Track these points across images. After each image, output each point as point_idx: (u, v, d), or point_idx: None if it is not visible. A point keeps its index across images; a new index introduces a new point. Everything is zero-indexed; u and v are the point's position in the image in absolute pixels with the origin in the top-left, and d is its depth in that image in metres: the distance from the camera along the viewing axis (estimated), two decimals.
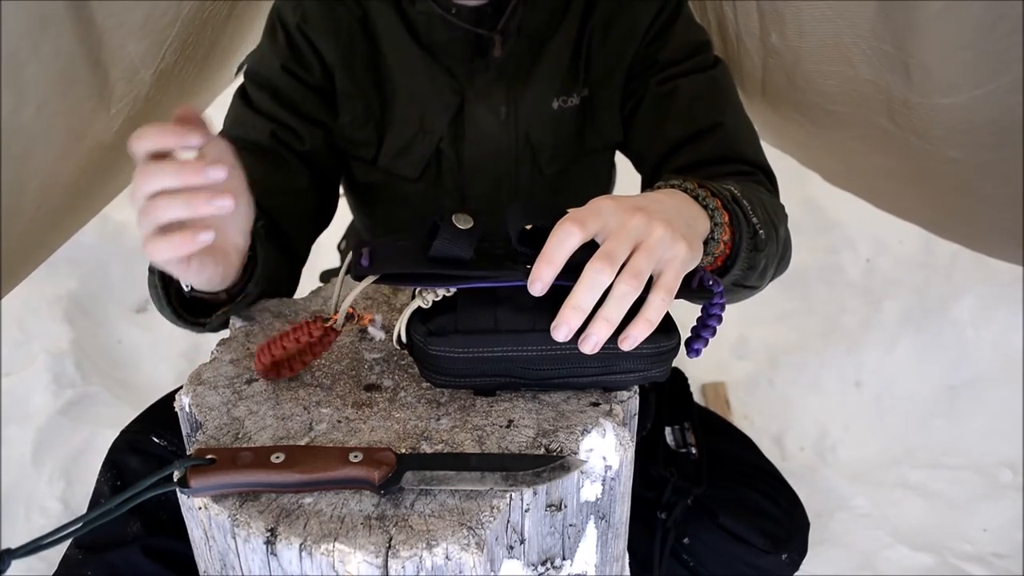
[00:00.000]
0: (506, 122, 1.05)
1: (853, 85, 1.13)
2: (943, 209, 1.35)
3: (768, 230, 0.80)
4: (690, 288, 0.69)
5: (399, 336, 0.71)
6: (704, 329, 0.71)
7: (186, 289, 0.80)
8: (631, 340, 0.63)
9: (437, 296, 0.68)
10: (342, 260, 1.36)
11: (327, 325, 0.71)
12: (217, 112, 1.10)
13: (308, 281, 1.12)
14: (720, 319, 0.70)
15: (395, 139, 1.06)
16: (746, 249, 0.76)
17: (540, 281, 0.62)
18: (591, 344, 0.62)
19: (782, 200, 0.96)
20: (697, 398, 1.55)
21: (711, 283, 0.69)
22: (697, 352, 0.71)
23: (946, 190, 1.23)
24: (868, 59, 1.06)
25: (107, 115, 1.10)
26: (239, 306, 0.83)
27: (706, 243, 0.73)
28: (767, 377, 1.93)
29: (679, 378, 1.26)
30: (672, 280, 0.63)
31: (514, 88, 1.04)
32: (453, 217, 0.66)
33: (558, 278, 0.63)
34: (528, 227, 0.67)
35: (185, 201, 0.63)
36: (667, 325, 0.69)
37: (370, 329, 0.73)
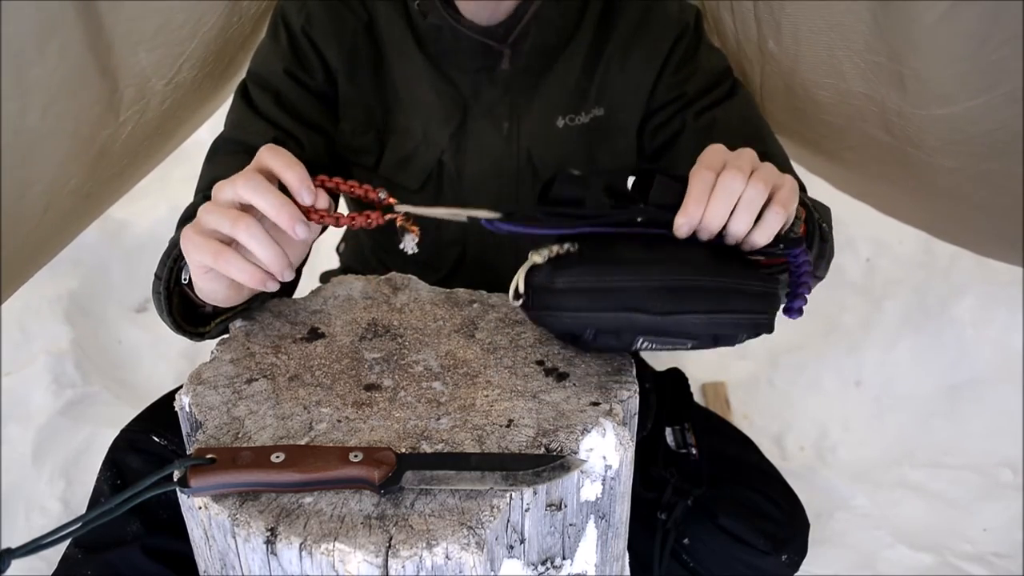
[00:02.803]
0: (508, 137, 1.04)
1: (846, 98, 1.13)
2: (941, 215, 1.35)
3: (827, 223, 0.87)
4: (775, 241, 0.72)
5: (516, 288, 0.72)
6: (799, 286, 0.74)
7: (203, 307, 0.81)
8: (748, 245, 0.71)
9: (552, 252, 0.70)
10: (341, 262, 1.36)
11: (386, 200, 0.71)
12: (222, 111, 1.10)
13: (308, 281, 1.13)
14: (810, 274, 0.74)
15: (397, 149, 1.06)
16: (817, 236, 0.82)
17: (689, 224, 0.69)
18: (741, 226, 0.69)
19: None
20: (697, 398, 1.55)
21: (792, 235, 0.73)
22: (800, 312, 0.75)
23: (943, 197, 1.23)
24: (861, 72, 1.06)
25: (116, 121, 1.10)
26: (237, 316, 0.83)
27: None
28: (767, 377, 1.93)
29: (679, 378, 1.26)
30: (787, 196, 0.70)
31: (518, 104, 1.03)
32: (565, 171, 0.71)
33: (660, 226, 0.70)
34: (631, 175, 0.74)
35: (270, 252, 0.67)
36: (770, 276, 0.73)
37: (407, 237, 0.72)
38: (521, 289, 0.72)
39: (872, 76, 1.05)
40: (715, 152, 0.71)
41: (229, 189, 0.68)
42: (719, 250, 0.72)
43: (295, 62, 1.01)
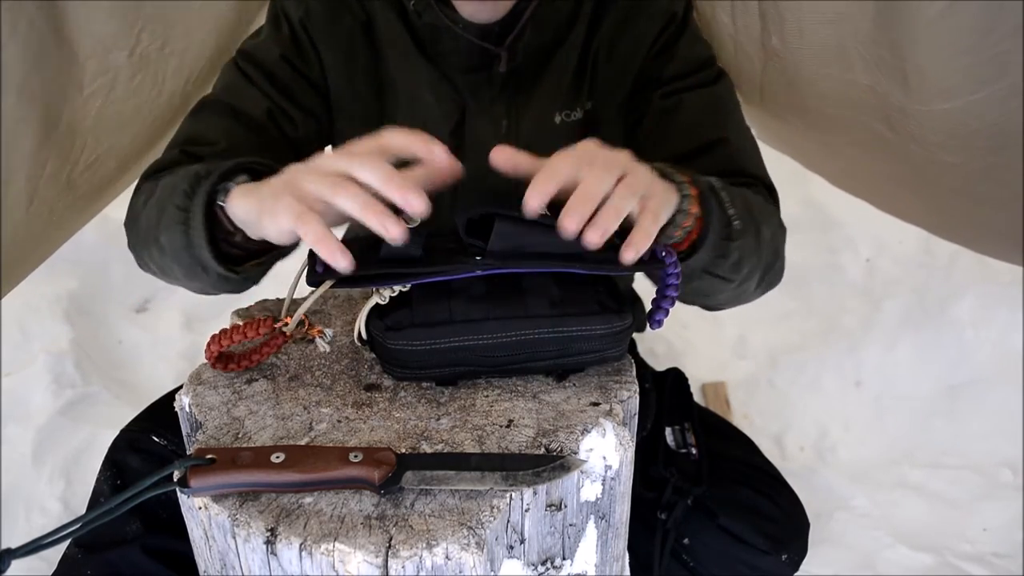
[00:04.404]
0: (507, 136, 1.03)
1: (851, 89, 1.12)
2: (942, 211, 1.35)
3: (746, 224, 0.80)
4: (643, 260, 0.69)
5: (359, 332, 0.73)
6: (663, 300, 0.72)
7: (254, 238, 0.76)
8: (634, 249, 0.66)
9: (393, 292, 0.70)
10: None
11: (276, 327, 0.72)
12: None
13: None
14: (677, 288, 0.71)
15: None
16: (717, 233, 0.77)
17: (539, 195, 0.64)
18: (599, 232, 0.64)
19: (783, 199, 0.96)
20: (697, 398, 1.55)
21: (664, 254, 0.70)
22: (659, 323, 0.73)
23: (944, 193, 1.23)
24: (867, 64, 1.06)
25: (80, 97, 1.07)
26: (274, 260, 0.81)
27: (676, 215, 0.75)
28: (767, 377, 1.93)
29: (679, 378, 1.26)
30: (657, 206, 0.67)
31: (516, 102, 1.03)
32: (401, 216, 0.67)
33: (521, 265, 0.66)
34: (475, 217, 0.70)
35: (376, 216, 0.63)
36: (619, 306, 0.71)
37: (317, 341, 0.73)
38: (364, 334, 0.73)
39: (876, 68, 1.05)
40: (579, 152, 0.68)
41: (344, 163, 0.66)
42: (570, 286, 0.70)
43: (294, 51, 1.00)
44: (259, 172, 0.78)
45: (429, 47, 1.01)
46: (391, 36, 1.02)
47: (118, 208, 1.46)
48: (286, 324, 0.73)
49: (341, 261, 0.64)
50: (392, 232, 0.63)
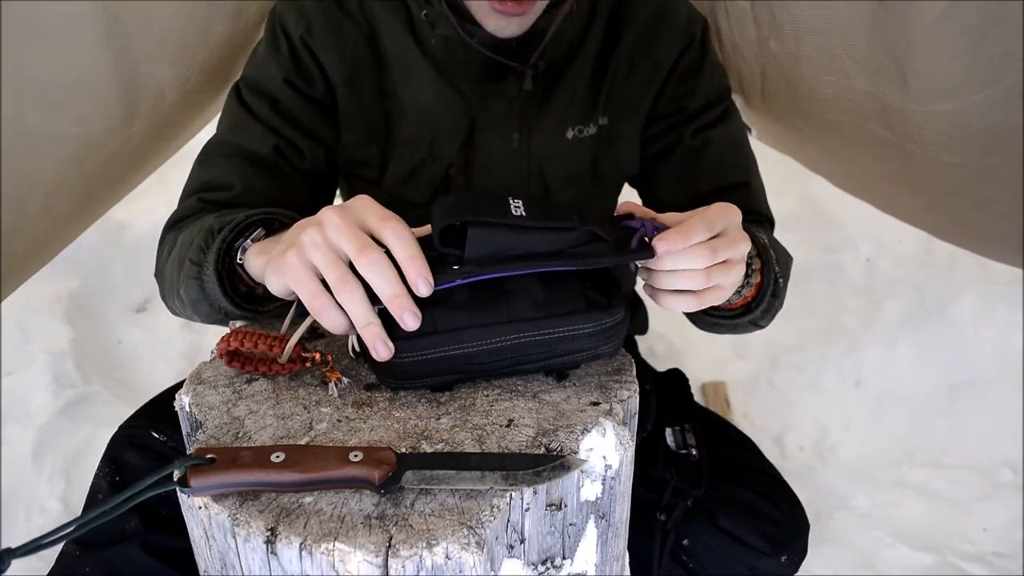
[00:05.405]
0: (518, 150, 1.02)
1: (848, 95, 1.13)
2: (942, 213, 1.35)
3: (784, 280, 0.90)
4: (628, 250, 0.70)
5: (352, 346, 0.75)
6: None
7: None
8: (696, 301, 0.73)
9: (378, 307, 0.68)
10: None
11: (279, 352, 0.71)
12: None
13: None
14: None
15: (402, 162, 1.03)
16: (769, 296, 0.85)
17: (667, 250, 0.69)
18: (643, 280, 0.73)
19: (783, 198, 0.99)
20: (697, 398, 1.55)
21: (643, 232, 0.72)
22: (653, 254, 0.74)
23: (944, 194, 1.23)
24: (863, 70, 1.06)
25: (128, 132, 1.10)
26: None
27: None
28: (767, 377, 1.93)
29: (680, 379, 1.26)
30: (717, 301, 0.74)
31: (528, 116, 1.01)
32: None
33: (502, 269, 0.66)
34: (453, 225, 0.68)
35: (371, 337, 0.65)
36: (609, 301, 0.70)
37: (330, 385, 0.72)
38: (356, 347, 0.74)
39: (873, 73, 1.05)
40: (711, 218, 0.72)
41: (370, 216, 0.66)
42: (556, 285, 0.69)
43: (296, 72, 0.98)
44: (272, 221, 0.80)
45: (440, 57, 0.98)
46: (397, 47, 0.99)
47: (119, 208, 1.47)
48: (278, 355, 0.72)
49: (353, 333, 0.67)
50: (382, 356, 0.66)
